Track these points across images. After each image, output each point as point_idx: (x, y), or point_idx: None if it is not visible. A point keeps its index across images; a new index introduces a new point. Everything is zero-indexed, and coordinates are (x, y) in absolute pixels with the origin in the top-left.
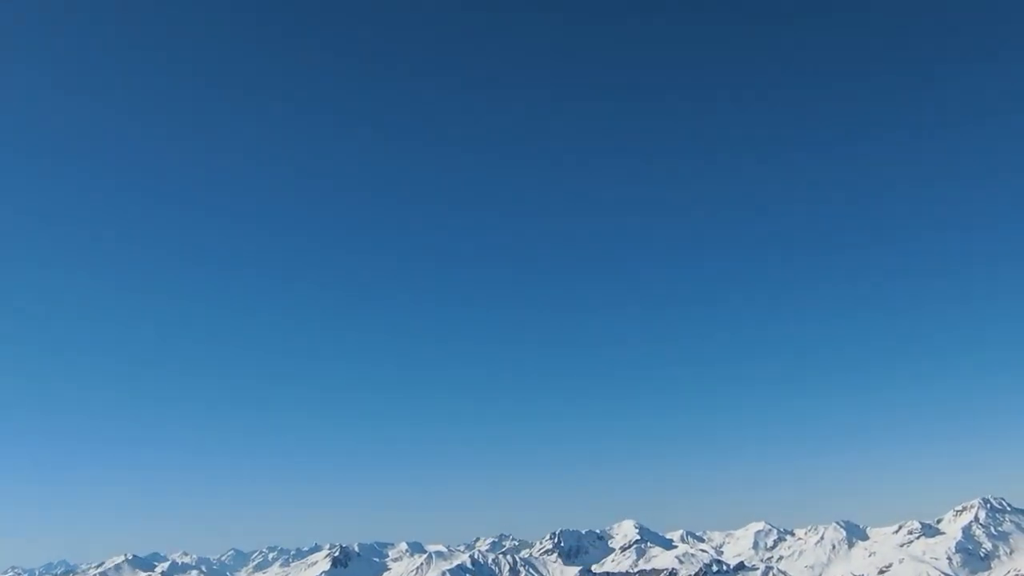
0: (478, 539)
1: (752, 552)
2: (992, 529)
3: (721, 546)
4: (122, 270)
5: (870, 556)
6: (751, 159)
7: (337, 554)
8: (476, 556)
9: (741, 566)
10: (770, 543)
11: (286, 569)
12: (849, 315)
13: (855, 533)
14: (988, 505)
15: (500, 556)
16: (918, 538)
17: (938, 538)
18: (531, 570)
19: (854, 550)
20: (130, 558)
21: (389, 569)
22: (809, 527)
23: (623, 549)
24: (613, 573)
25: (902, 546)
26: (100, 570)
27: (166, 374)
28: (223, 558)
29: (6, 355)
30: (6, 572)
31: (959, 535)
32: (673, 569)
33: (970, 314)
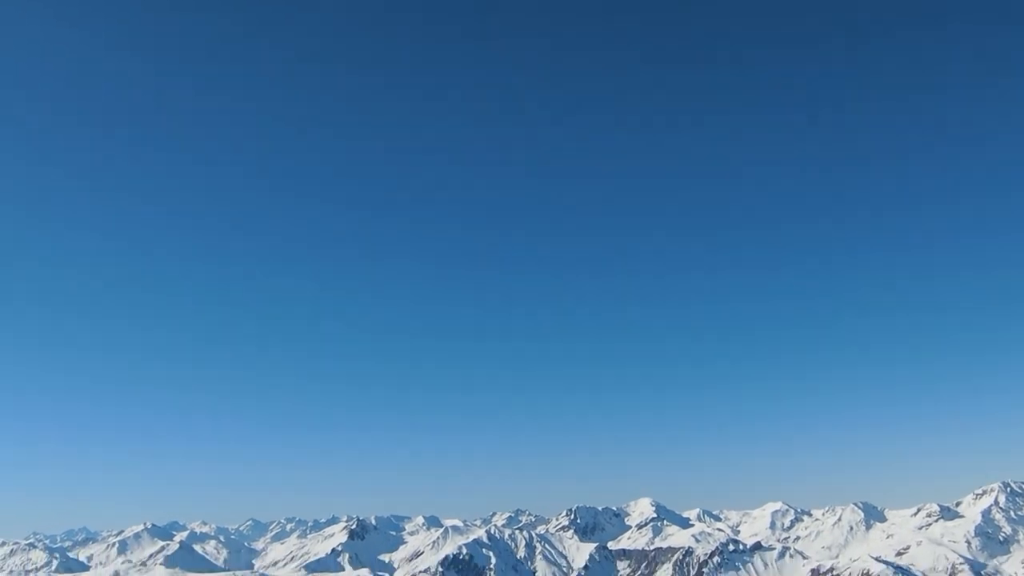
0: (494, 514)
1: (769, 532)
2: (1012, 513)
3: (738, 525)
4: (146, 242)
5: (888, 538)
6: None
7: (354, 526)
8: (492, 531)
9: (758, 546)
10: (787, 523)
11: (303, 540)
12: (869, 298)
13: (873, 515)
14: (1008, 489)
15: (516, 531)
16: (937, 521)
17: (957, 521)
18: (547, 546)
19: (872, 531)
20: (149, 527)
21: (405, 542)
22: (827, 508)
23: (639, 527)
24: (629, 550)
25: (920, 528)
26: (120, 538)
27: (187, 346)
28: (241, 528)
29: (27, 327)
30: (28, 538)
31: (978, 519)
32: (689, 547)
33: (992, 298)
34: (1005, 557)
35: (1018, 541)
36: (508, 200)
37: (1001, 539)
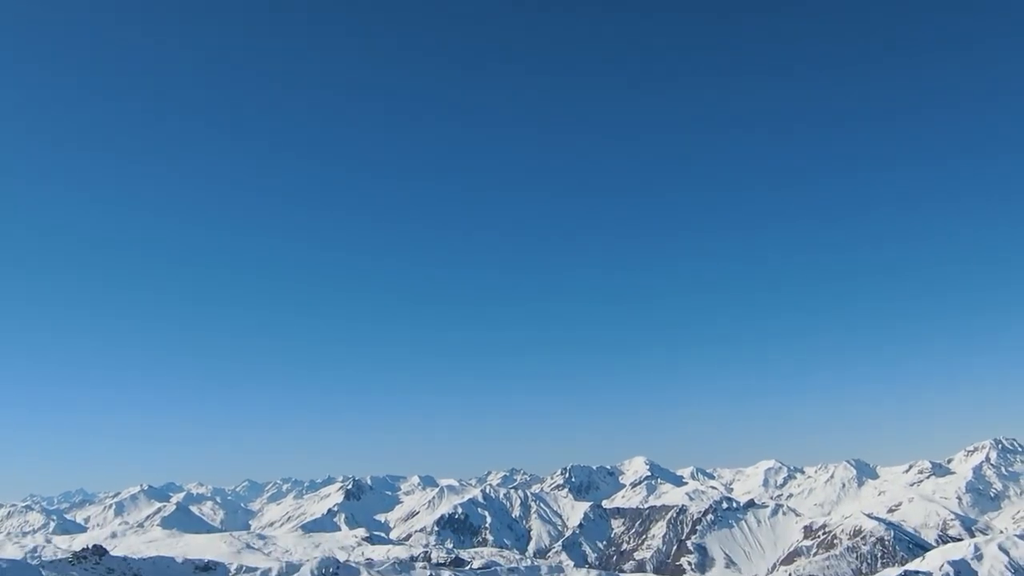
0: (490, 473)
1: (762, 489)
2: (1003, 469)
3: (731, 483)
4: (141, 201)
5: (880, 495)
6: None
7: (350, 486)
8: (488, 490)
9: (751, 503)
10: (780, 481)
11: (300, 500)
12: (860, 258)
13: (865, 472)
14: (999, 446)
15: (511, 491)
16: (928, 477)
17: (948, 478)
18: (542, 505)
19: (864, 488)
20: (146, 488)
21: (401, 502)
22: (819, 465)
23: (633, 485)
24: (623, 508)
25: (912, 485)
26: (117, 500)
27: (181, 306)
28: (238, 489)
29: (24, 287)
30: (25, 501)
31: (969, 475)
32: (683, 505)
33: (984, 254)
34: (996, 513)
35: (1008, 497)
36: (512, 162)
37: (992, 495)
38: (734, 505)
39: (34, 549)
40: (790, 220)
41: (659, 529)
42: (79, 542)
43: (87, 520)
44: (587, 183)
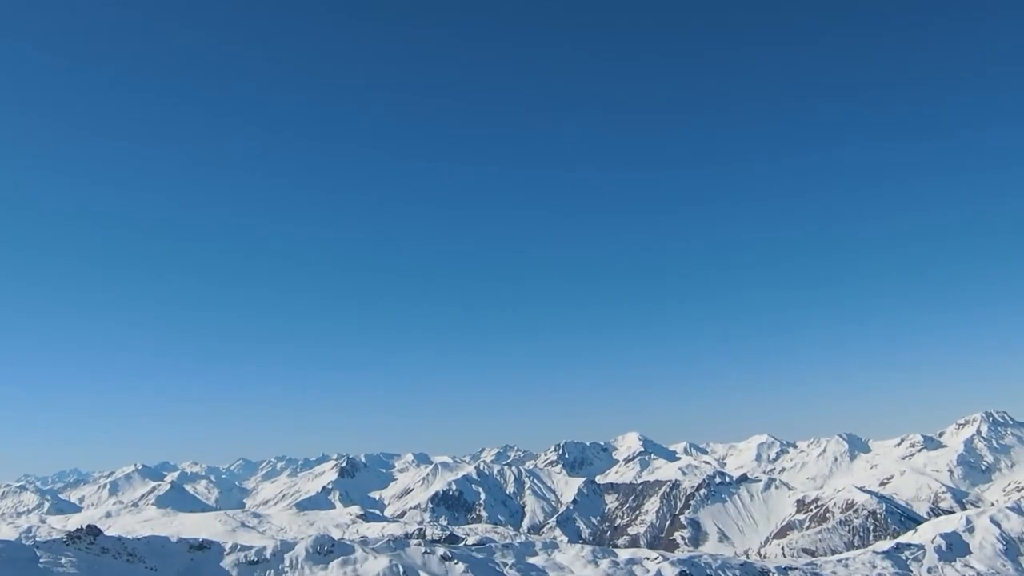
0: (483, 450)
1: (755, 464)
2: (994, 442)
3: (724, 458)
4: (135, 184)
5: (872, 468)
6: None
7: (344, 464)
8: (481, 467)
9: (744, 478)
10: (772, 455)
11: (294, 478)
12: (852, 234)
13: (857, 446)
14: (990, 419)
15: (505, 467)
16: (920, 451)
17: (940, 451)
18: (536, 481)
19: (856, 462)
20: (140, 468)
21: (395, 479)
22: (811, 439)
23: (627, 460)
24: (617, 484)
25: (904, 459)
26: (111, 479)
27: (175, 287)
28: (232, 467)
29: (17, 269)
30: (19, 481)
31: (961, 448)
32: (676, 480)
33: (975, 230)
34: (987, 485)
35: (999, 470)
36: (506, 138)
37: (983, 468)
38: (727, 480)
39: (28, 530)
40: (776, 197)
41: (653, 504)
42: (73, 522)
43: (82, 500)
44: (582, 158)
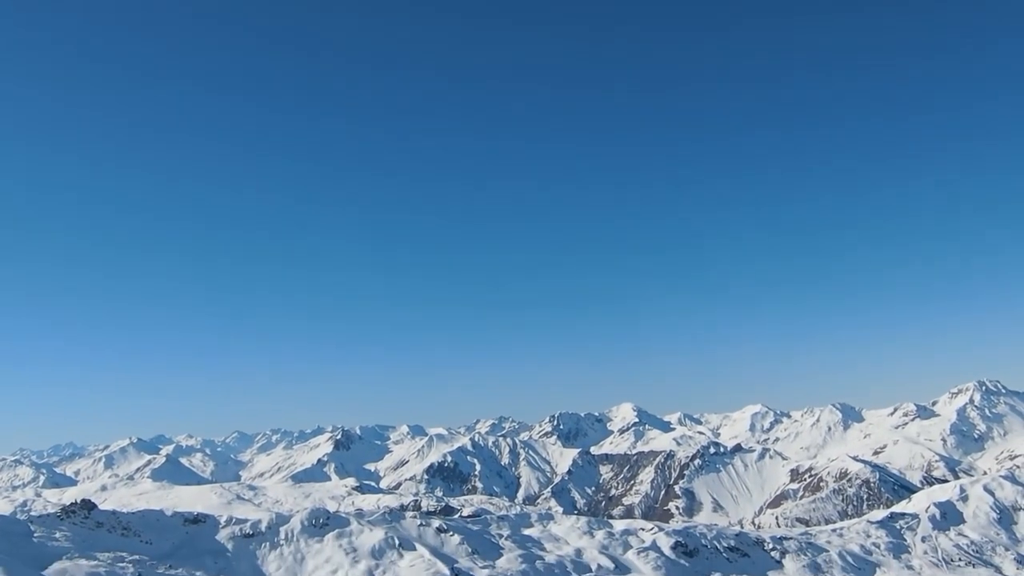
0: (478, 421)
1: (749, 434)
2: (987, 411)
3: (718, 428)
4: (123, 162)
5: (865, 438)
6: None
7: (339, 436)
8: (476, 438)
9: (738, 448)
10: (766, 425)
11: (289, 451)
12: (843, 205)
13: (851, 415)
14: (983, 388)
15: (500, 438)
16: (913, 420)
17: (933, 420)
18: (531, 452)
19: (849, 432)
20: (135, 441)
21: (391, 451)
22: (805, 409)
23: (621, 431)
24: (612, 455)
25: (897, 428)
26: (106, 453)
27: (168, 256)
28: (227, 440)
29: (10, 241)
30: (14, 455)
31: (954, 417)
32: (671, 451)
33: (972, 200)
34: (979, 454)
35: (992, 438)
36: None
37: (976, 436)
38: (721, 450)
39: (24, 503)
40: (771, 169)
41: (647, 474)
42: (69, 496)
43: (77, 473)
44: (566, 129)
